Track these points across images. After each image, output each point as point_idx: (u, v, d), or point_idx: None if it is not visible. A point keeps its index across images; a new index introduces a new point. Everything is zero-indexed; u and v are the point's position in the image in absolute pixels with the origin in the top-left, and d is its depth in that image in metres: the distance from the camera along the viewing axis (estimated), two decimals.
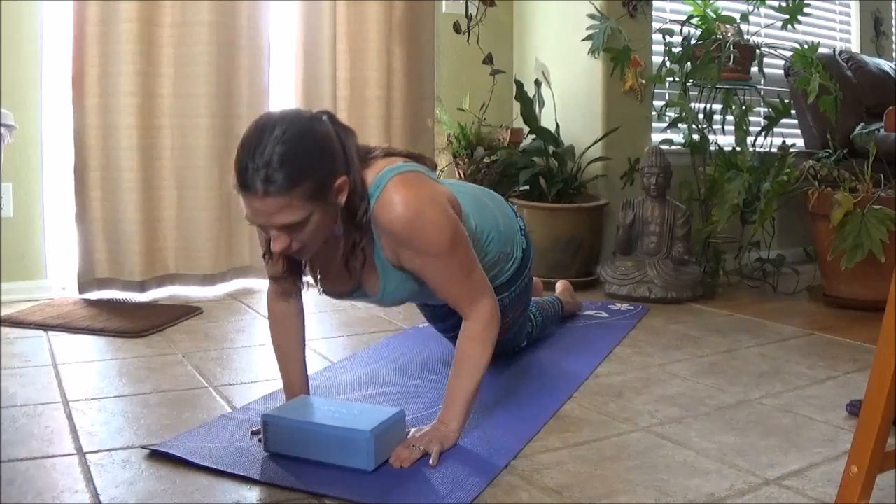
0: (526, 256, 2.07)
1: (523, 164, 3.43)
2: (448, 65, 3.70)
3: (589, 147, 3.44)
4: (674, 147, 3.38)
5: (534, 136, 3.48)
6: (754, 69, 3.53)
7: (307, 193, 1.42)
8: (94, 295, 3.01)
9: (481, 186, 2.24)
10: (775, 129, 3.48)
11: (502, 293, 2.01)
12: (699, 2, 3.33)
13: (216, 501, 1.42)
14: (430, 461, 1.56)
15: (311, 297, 1.91)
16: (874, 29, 4.73)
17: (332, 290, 1.80)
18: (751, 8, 3.47)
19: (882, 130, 3.39)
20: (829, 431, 1.78)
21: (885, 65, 4.22)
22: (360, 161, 1.59)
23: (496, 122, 3.64)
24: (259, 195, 1.39)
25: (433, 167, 1.80)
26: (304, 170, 1.41)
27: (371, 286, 1.73)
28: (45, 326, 2.62)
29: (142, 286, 3.04)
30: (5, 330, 2.59)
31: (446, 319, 2.14)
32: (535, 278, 2.95)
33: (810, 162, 3.23)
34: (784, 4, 3.38)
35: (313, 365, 2.11)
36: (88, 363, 2.30)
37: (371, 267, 1.67)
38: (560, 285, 2.87)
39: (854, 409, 1.86)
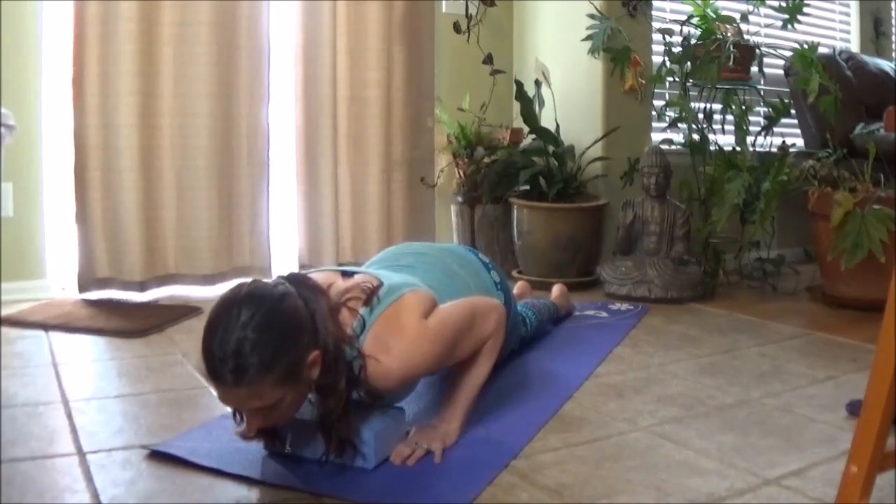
0: (506, 309, 2.02)
1: (523, 164, 3.44)
2: (448, 65, 3.70)
3: (589, 147, 3.44)
4: (674, 147, 3.38)
5: (534, 136, 3.48)
6: (754, 69, 3.53)
7: (279, 378, 1.36)
8: (94, 295, 3.01)
9: (449, 246, 2.22)
10: (775, 129, 3.48)
11: None
12: (699, 2, 3.33)
13: (216, 501, 1.42)
14: (435, 458, 1.57)
15: None
16: (874, 29, 4.73)
17: None
18: (751, 8, 3.47)
19: (882, 130, 3.38)
20: (829, 431, 1.78)
21: (885, 65, 4.22)
22: (333, 317, 1.50)
23: (496, 122, 3.64)
24: (230, 385, 1.35)
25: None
26: (275, 355, 1.35)
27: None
28: (45, 326, 2.62)
29: (142, 286, 3.04)
30: (5, 330, 2.59)
31: None
32: (524, 281, 2.96)
33: (810, 162, 3.23)
34: (784, 4, 3.38)
35: None
36: (88, 363, 2.30)
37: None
38: (556, 289, 2.87)
39: (854, 409, 1.85)
